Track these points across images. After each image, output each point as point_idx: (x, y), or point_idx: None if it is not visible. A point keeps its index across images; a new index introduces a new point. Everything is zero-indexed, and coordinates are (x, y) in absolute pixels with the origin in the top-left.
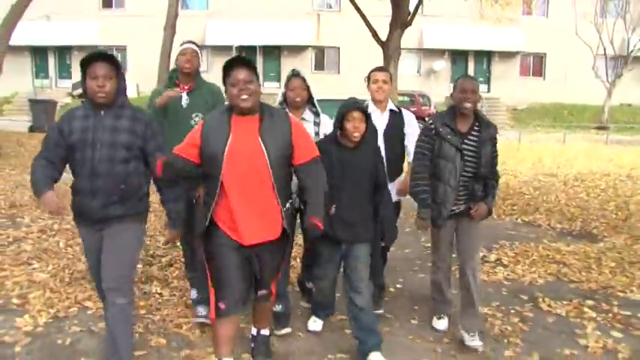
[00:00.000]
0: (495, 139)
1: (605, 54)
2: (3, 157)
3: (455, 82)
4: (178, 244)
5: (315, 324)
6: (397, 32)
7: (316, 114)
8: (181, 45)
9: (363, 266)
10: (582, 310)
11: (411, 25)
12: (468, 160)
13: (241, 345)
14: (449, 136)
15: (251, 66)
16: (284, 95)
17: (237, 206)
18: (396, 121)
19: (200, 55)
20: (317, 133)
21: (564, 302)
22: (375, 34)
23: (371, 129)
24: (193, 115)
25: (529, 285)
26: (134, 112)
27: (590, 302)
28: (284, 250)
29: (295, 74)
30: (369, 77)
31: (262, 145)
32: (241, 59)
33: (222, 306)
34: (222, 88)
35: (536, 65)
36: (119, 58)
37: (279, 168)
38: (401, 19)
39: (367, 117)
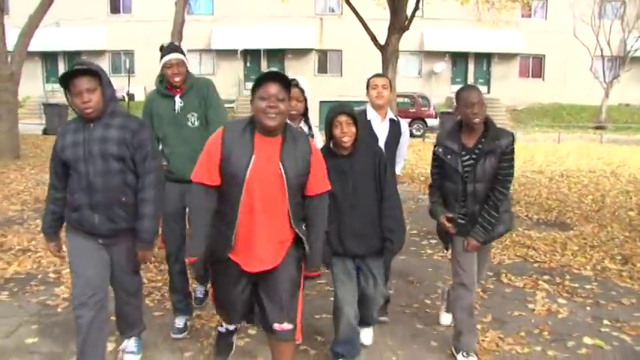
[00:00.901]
0: (503, 151)
1: (602, 55)
2: (22, 158)
3: (457, 94)
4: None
5: None
6: (395, 36)
7: (309, 127)
8: (165, 55)
9: (375, 285)
10: (538, 283)
11: (408, 29)
12: (465, 180)
13: None
14: (449, 157)
15: (285, 82)
16: None
17: (252, 230)
18: (395, 130)
19: (186, 61)
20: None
21: (524, 277)
22: (373, 39)
23: (368, 132)
24: (189, 116)
25: (497, 264)
26: (124, 119)
27: (546, 277)
28: (299, 266)
29: (294, 84)
30: (368, 84)
31: (282, 169)
32: (278, 74)
33: (221, 330)
34: (235, 91)
35: (535, 66)
36: (126, 63)
37: (296, 194)
38: (399, 23)
39: (355, 120)
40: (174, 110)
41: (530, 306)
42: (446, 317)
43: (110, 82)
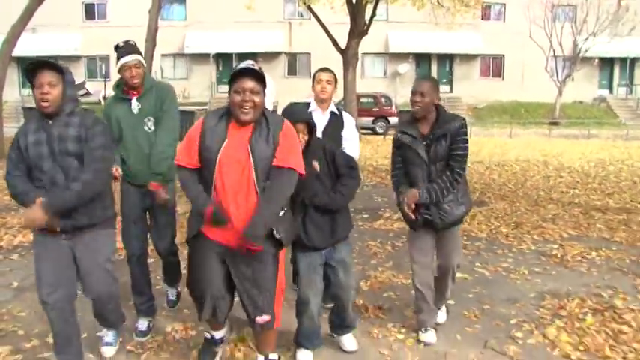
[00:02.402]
0: (455, 133)
1: (554, 56)
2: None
3: None
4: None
5: (305, 357)
6: (355, 41)
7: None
8: (121, 57)
9: (347, 272)
10: None
11: (367, 34)
12: (428, 163)
13: None
14: (408, 141)
15: (259, 77)
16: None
17: (224, 205)
18: (335, 122)
19: (143, 62)
20: None
21: None
22: (335, 43)
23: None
24: (146, 120)
25: None
26: (81, 118)
27: None
28: (275, 260)
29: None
30: (313, 77)
31: (250, 151)
32: (252, 70)
33: (200, 313)
34: (208, 94)
35: (495, 66)
36: (102, 68)
37: (266, 177)
38: (358, 29)
39: (311, 127)
40: (132, 112)
41: None
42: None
43: (74, 84)
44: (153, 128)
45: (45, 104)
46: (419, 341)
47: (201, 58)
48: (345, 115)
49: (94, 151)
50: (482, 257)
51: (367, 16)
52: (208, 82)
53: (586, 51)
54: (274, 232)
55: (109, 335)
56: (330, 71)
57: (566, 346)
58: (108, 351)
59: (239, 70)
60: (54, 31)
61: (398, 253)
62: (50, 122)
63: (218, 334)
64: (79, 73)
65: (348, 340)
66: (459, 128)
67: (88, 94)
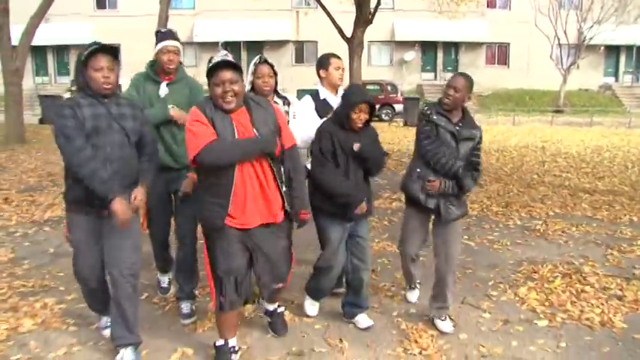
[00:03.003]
0: (477, 142)
1: (559, 44)
2: (28, 143)
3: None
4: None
5: (314, 308)
6: (360, 29)
7: (283, 98)
8: (161, 40)
9: (367, 244)
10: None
11: (372, 23)
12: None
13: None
14: (442, 122)
15: (236, 67)
16: (251, 84)
17: (246, 191)
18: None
19: (181, 49)
20: (287, 113)
21: None
22: (340, 31)
23: (327, 109)
24: (169, 107)
25: None
26: (128, 100)
27: None
28: (289, 233)
29: (263, 61)
30: (329, 63)
31: (257, 134)
32: (227, 62)
33: (222, 299)
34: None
35: (500, 54)
36: None
37: (274, 154)
38: (363, 17)
39: (373, 109)
40: (159, 96)
41: None
42: (412, 294)
43: (120, 67)
44: None
45: (107, 86)
46: (406, 300)
47: (209, 46)
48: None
49: (150, 134)
50: (470, 231)
51: (372, 5)
52: None
53: (591, 39)
54: (286, 205)
55: (127, 353)
56: (340, 57)
57: (534, 302)
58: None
59: (215, 64)
60: (66, 20)
61: (393, 227)
62: (105, 101)
63: (231, 342)
64: None
65: (363, 319)
66: (480, 137)
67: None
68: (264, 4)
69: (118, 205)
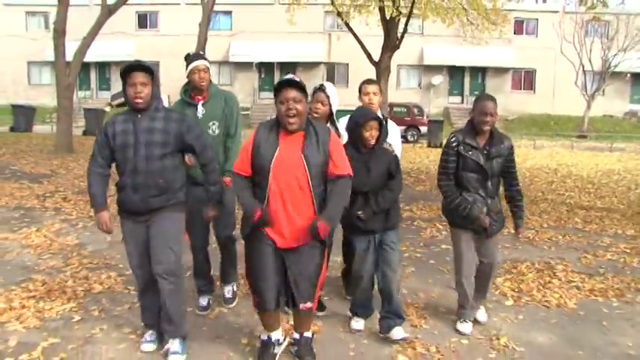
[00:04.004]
0: (507, 154)
1: (584, 70)
2: (76, 152)
3: (475, 101)
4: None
5: (358, 323)
6: (388, 54)
7: (336, 128)
8: (192, 61)
9: (395, 252)
10: (436, 225)
11: (399, 48)
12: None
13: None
14: (469, 153)
15: (300, 87)
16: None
17: (280, 212)
18: (384, 129)
19: (209, 68)
20: None
21: (428, 223)
22: (369, 55)
23: (384, 131)
24: (210, 124)
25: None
26: (167, 113)
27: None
28: (323, 254)
29: (321, 89)
30: (360, 89)
31: (304, 159)
32: (292, 80)
33: (257, 299)
34: (250, 100)
35: (527, 80)
36: None
37: (319, 180)
38: (390, 44)
39: (381, 124)
40: (197, 117)
41: (421, 233)
42: (466, 327)
43: (159, 83)
44: (217, 131)
45: (138, 101)
46: (456, 330)
47: (244, 66)
48: (390, 123)
49: (199, 138)
50: None
51: (399, 32)
52: (251, 89)
53: (615, 66)
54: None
55: (174, 344)
56: (376, 83)
57: (506, 288)
58: (174, 358)
59: (280, 82)
60: (109, 38)
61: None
62: (139, 116)
63: (275, 335)
64: None
65: (398, 331)
66: (511, 147)
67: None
68: (298, 26)
69: (98, 219)
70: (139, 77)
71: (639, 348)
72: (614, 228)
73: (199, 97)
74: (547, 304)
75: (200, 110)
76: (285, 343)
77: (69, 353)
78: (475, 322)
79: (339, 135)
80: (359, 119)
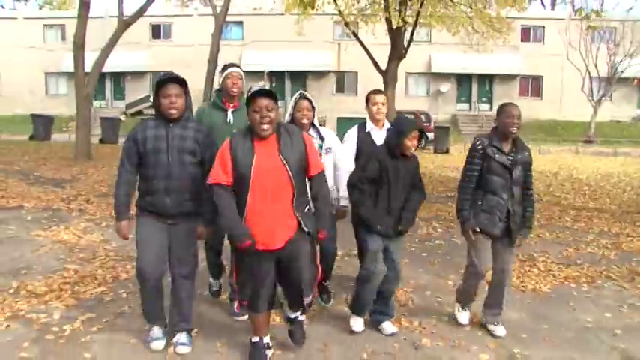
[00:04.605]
0: (528, 163)
1: (590, 77)
2: (94, 160)
3: (500, 107)
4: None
5: (358, 323)
6: (394, 63)
7: (317, 131)
8: (227, 69)
9: (397, 256)
10: (432, 224)
11: (405, 57)
12: (511, 178)
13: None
14: (497, 156)
15: (272, 95)
16: (291, 116)
17: (260, 216)
18: None
19: (243, 76)
20: (321, 147)
21: (425, 223)
22: (376, 64)
23: (369, 141)
24: (235, 131)
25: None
26: (196, 124)
27: (441, 223)
28: (311, 246)
29: (303, 97)
30: (367, 99)
31: (283, 161)
32: (264, 90)
33: (244, 303)
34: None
35: (534, 86)
36: None
37: (299, 177)
38: (397, 53)
39: (422, 136)
40: (226, 122)
41: (418, 230)
42: (464, 316)
43: (190, 95)
44: None
45: (173, 112)
46: (453, 318)
47: (256, 75)
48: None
49: (213, 157)
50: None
51: (406, 41)
52: None
53: (622, 72)
54: (303, 226)
55: (182, 336)
56: (383, 93)
57: (489, 275)
58: (182, 349)
59: (254, 92)
60: (124, 49)
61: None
62: (171, 125)
63: (266, 339)
64: (145, 87)
65: (389, 325)
66: (530, 156)
67: (152, 106)
68: (307, 36)
69: (119, 228)
70: (174, 89)
71: (597, 322)
72: (601, 226)
73: (230, 105)
74: (524, 288)
75: (230, 117)
76: (271, 348)
77: (104, 325)
78: (493, 336)
79: (322, 138)
80: (404, 128)
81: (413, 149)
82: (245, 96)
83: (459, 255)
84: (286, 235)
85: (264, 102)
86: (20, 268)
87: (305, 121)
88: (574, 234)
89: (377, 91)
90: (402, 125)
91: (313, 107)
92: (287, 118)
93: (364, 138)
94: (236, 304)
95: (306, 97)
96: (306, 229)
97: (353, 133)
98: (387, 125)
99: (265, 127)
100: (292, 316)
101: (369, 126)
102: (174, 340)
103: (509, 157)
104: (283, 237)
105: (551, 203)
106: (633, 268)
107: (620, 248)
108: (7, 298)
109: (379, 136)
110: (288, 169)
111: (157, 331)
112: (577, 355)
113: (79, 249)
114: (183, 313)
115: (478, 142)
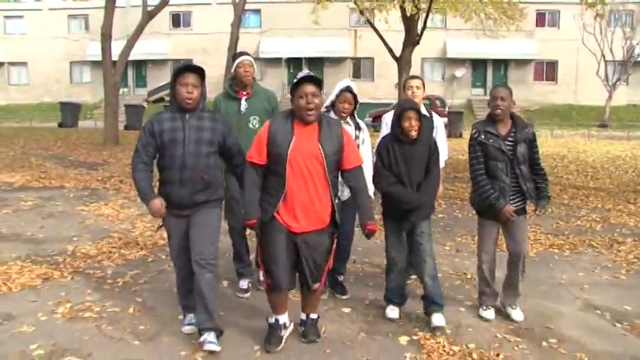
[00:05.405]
0: (531, 139)
1: (604, 60)
2: (121, 145)
3: (490, 91)
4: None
5: (394, 312)
6: (408, 49)
7: (356, 122)
8: (238, 58)
9: (426, 241)
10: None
11: (419, 44)
12: (511, 159)
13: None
14: (491, 140)
15: (318, 82)
16: (332, 103)
17: (296, 199)
18: (426, 124)
19: (254, 64)
20: (357, 137)
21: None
22: (390, 51)
23: (427, 125)
24: (251, 118)
25: None
26: (212, 114)
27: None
28: (332, 239)
29: (348, 89)
30: (404, 85)
31: (320, 148)
32: (311, 77)
33: (269, 280)
34: (280, 94)
35: (549, 71)
36: None
37: (333, 168)
38: (411, 40)
39: (420, 115)
40: (240, 111)
41: None
42: (488, 313)
43: (205, 85)
44: (257, 125)
45: (189, 102)
46: (480, 317)
47: (274, 62)
48: (435, 116)
49: (237, 141)
50: (455, 210)
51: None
52: (280, 84)
53: (638, 55)
54: (336, 216)
55: (210, 336)
56: (419, 78)
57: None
58: (210, 346)
59: (301, 78)
60: (145, 37)
61: None
62: (187, 116)
63: (282, 319)
64: (166, 75)
65: (436, 318)
66: (533, 134)
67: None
68: (324, 23)
69: (152, 207)
70: (191, 78)
71: (569, 280)
72: (596, 203)
73: (243, 93)
74: None
75: (244, 105)
76: (291, 327)
77: (149, 279)
78: (510, 319)
79: (359, 128)
80: (397, 110)
81: (414, 131)
82: (291, 82)
83: (457, 226)
84: (322, 220)
85: (310, 88)
86: (72, 236)
87: (345, 114)
88: (568, 210)
89: (413, 77)
90: (397, 108)
91: (356, 101)
92: (327, 103)
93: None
94: (262, 278)
95: (351, 91)
96: (337, 219)
97: (388, 117)
98: (424, 111)
99: (311, 112)
100: (304, 317)
101: None
102: (202, 339)
103: (510, 139)
104: (318, 222)
105: (552, 183)
106: (615, 238)
107: (608, 222)
108: (67, 258)
109: None
110: (324, 157)
111: (190, 317)
112: (547, 303)
113: (120, 221)
114: (207, 309)
115: (474, 131)
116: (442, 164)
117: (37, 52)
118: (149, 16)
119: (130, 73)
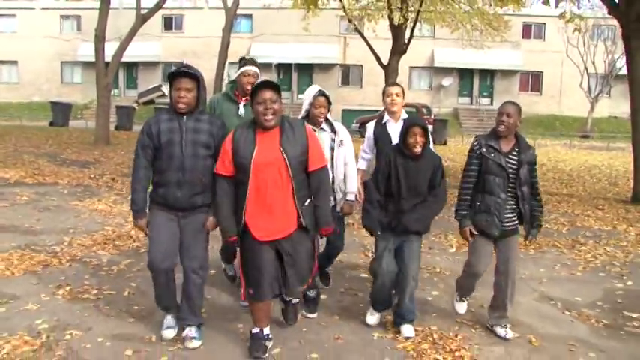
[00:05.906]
0: (533, 163)
1: (587, 73)
2: (112, 145)
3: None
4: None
5: (373, 317)
6: (395, 58)
7: (331, 125)
8: (244, 65)
9: (412, 259)
10: None
11: (406, 52)
12: (511, 177)
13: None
14: (492, 155)
15: (276, 87)
16: (307, 112)
17: (260, 207)
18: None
19: (259, 75)
20: (333, 140)
21: None
22: (378, 59)
23: (384, 133)
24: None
25: None
26: (210, 117)
27: None
28: (311, 243)
29: (321, 94)
30: (384, 92)
31: (283, 153)
32: (268, 82)
33: (250, 291)
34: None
35: (534, 82)
36: None
37: (298, 171)
38: (398, 49)
39: (427, 132)
40: (238, 115)
41: None
42: (461, 306)
43: (205, 87)
44: None
45: (181, 105)
46: (455, 311)
47: (264, 67)
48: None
49: None
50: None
51: (407, 37)
52: None
53: (620, 69)
54: (302, 219)
55: (192, 330)
56: (398, 85)
57: (453, 240)
58: (192, 343)
59: (258, 85)
60: (136, 39)
61: None
62: (184, 118)
63: (266, 330)
64: (157, 77)
65: (406, 329)
66: (535, 157)
67: (164, 95)
68: (314, 29)
69: (138, 225)
70: (185, 83)
71: (530, 275)
72: (566, 209)
73: (242, 98)
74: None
75: (241, 110)
76: (272, 339)
77: (142, 267)
78: (502, 339)
79: (334, 132)
80: (404, 126)
81: (418, 147)
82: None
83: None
84: (287, 227)
85: (268, 94)
86: (68, 229)
87: (321, 118)
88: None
89: (392, 83)
90: (404, 123)
91: (329, 103)
92: (302, 113)
93: (380, 130)
94: (242, 291)
95: (324, 94)
96: (304, 224)
97: (370, 125)
98: (404, 116)
99: (269, 117)
100: (287, 299)
101: (385, 118)
102: (184, 334)
103: (512, 157)
104: (283, 229)
105: None
106: (577, 239)
107: (574, 225)
108: (64, 248)
109: (395, 128)
110: (288, 162)
111: (169, 319)
112: None
113: (113, 215)
114: (192, 308)
115: (475, 143)
116: None
117: (28, 51)
118: (142, 19)
119: (121, 74)
